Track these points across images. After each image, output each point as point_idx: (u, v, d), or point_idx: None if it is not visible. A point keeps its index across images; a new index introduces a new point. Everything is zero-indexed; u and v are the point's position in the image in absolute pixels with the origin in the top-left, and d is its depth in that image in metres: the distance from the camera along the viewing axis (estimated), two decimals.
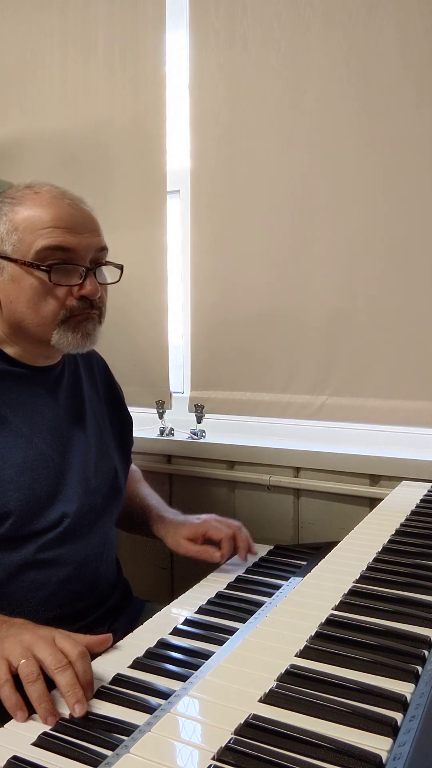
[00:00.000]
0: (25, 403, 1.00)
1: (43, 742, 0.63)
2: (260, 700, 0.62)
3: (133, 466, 1.32)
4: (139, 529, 1.24)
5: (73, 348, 0.98)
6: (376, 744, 0.55)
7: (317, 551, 1.14)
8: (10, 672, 0.72)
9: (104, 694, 0.71)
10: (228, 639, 0.82)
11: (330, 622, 0.76)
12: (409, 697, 0.61)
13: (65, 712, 0.68)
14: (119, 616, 1.10)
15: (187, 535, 1.13)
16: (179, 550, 1.13)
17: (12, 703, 0.69)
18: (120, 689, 0.72)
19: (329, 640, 0.72)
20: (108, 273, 1.04)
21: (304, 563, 1.12)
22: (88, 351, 1.08)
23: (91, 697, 0.70)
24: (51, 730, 0.65)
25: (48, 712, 0.68)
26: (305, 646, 0.71)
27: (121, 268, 1.03)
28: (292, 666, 0.67)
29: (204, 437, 1.59)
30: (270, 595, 0.97)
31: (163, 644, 0.82)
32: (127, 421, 1.23)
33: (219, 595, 0.99)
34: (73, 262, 0.95)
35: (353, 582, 0.86)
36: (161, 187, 1.57)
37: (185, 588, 1.02)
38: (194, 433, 1.59)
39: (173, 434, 1.63)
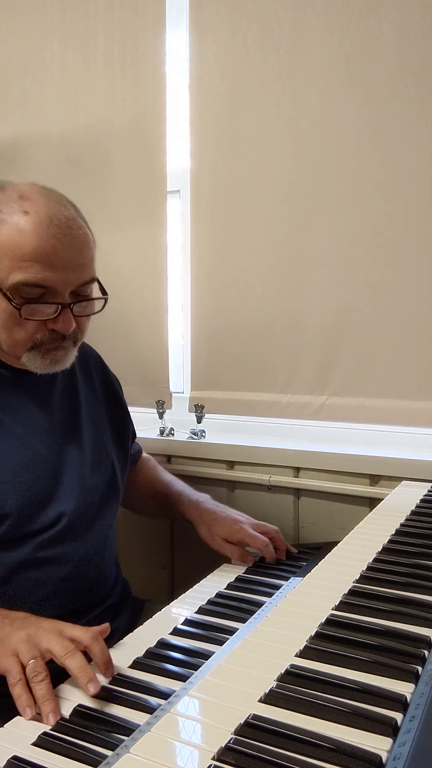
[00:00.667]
0: (18, 404, 1.00)
1: (43, 742, 0.63)
2: (260, 700, 0.62)
3: (146, 455, 1.33)
4: (165, 513, 1.26)
5: (41, 370, 0.97)
6: (376, 744, 0.55)
7: (317, 551, 1.14)
8: (22, 671, 0.73)
9: (104, 694, 0.71)
10: (228, 639, 0.82)
11: (330, 622, 0.76)
12: (409, 697, 0.61)
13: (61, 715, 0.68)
14: (118, 615, 1.10)
15: (224, 535, 1.15)
16: (212, 544, 1.16)
17: (23, 701, 0.70)
18: (120, 689, 0.72)
19: (329, 640, 0.72)
20: (97, 304, 0.99)
21: (304, 563, 1.12)
22: (82, 346, 1.07)
23: (113, 674, 0.74)
24: (51, 730, 0.65)
25: (50, 710, 0.68)
26: (305, 646, 0.71)
27: (105, 299, 0.99)
28: (292, 666, 0.67)
29: (204, 437, 1.59)
30: (270, 595, 0.97)
31: (163, 644, 0.82)
32: (124, 414, 1.22)
33: (219, 595, 0.99)
34: (48, 300, 0.92)
35: (353, 582, 0.86)
36: (161, 187, 1.57)
37: (185, 588, 1.02)
38: (194, 433, 1.59)
39: (173, 434, 1.63)
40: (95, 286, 0.99)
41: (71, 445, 1.04)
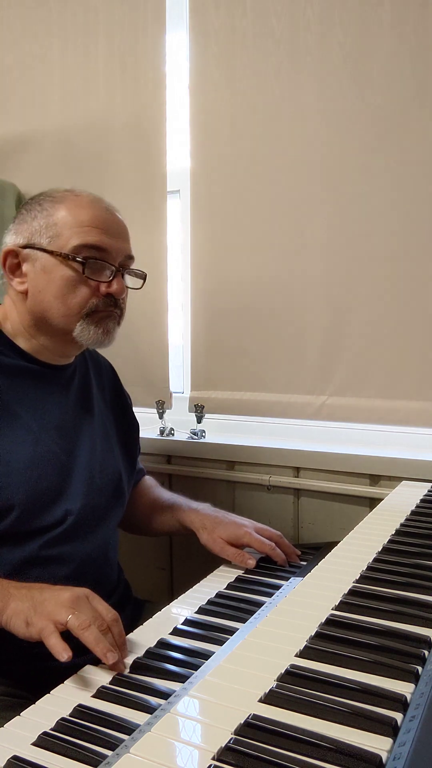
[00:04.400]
0: (36, 400, 1.02)
1: (43, 742, 0.63)
2: (260, 700, 0.62)
3: (148, 477, 1.33)
4: (166, 525, 1.24)
5: (93, 343, 1.02)
6: (376, 744, 0.55)
7: (317, 551, 1.14)
8: (56, 627, 0.77)
9: (104, 694, 0.71)
10: (228, 639, 0.82)
11: (330, 622, 0.76)
12: (409, 697, 0.61)
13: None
14: (119, 615, 1.10)
15: (227, 538, 1.12)
16: (214, 547, 1.12)
17: (59, 648, 0.74)
18: (120, 689, 0.72)
19: (329, 640, 0.72)
20: (130, 281, 1.08)
21: (304, 563, 1.12)
22: (97, 356, 1.15)
23: (127, 655, 0.77)
24: (51, 729, 0.65)
25: (107, 649, 0.74)
26: (305, 646, 0.71)
27: (144, 277, 1.08)
28: (292, 666, 0.67)
29: (204, 437, 1.59)
30: (270, 595, 0.97)
31: (163, 644, 0.82)
32: (133, 428, 1.24)
33: (219, 595, 0.99)
34: (105, 261, 1.00)
35: (353, 582, 0.86)
36: (161, 187, 1.57)
37: (185, 588, 1.02)
38: (194, 433, 1.59)
39: (173, 434, 1.63)
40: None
41: (83, 444, 1.06)
